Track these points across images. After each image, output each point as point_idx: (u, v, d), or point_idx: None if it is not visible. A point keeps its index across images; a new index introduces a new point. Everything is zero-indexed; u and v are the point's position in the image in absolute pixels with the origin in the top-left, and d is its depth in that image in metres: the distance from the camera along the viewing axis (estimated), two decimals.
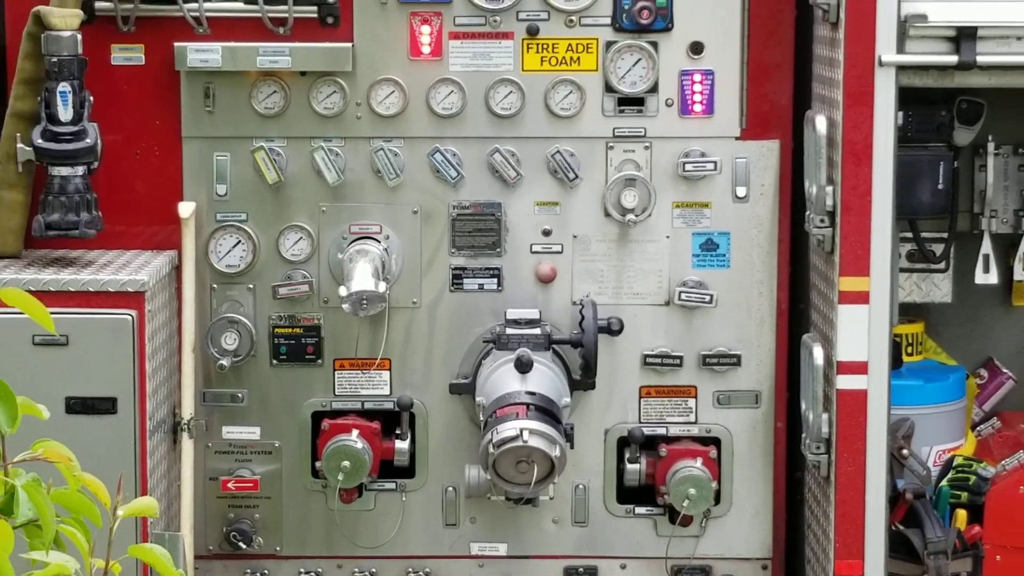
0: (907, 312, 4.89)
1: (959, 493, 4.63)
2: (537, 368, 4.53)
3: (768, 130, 4.76)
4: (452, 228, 4.77)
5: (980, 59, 4.28)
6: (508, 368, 4.55)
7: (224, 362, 4.72)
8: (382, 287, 4.56)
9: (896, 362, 4.71)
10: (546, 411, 4.45)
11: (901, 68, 4.29)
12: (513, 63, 4.72)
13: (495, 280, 4.78)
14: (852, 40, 4.28)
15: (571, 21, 4.71)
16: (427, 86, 4.72)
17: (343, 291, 4.55)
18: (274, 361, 4.80)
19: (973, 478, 4.63)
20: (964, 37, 4.27)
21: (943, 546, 4.46)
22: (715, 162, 4.73)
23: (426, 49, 4.71)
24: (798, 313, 4.86)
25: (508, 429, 4.36)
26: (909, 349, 4.90)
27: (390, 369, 4.80)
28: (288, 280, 4.77)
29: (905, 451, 4.60)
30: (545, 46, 4.73)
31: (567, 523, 4.85)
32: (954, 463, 4.70)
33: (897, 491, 4.54)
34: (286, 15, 4.66)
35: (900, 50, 4.28)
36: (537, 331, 4.65)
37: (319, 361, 4.80)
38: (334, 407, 4.80)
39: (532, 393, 4.47)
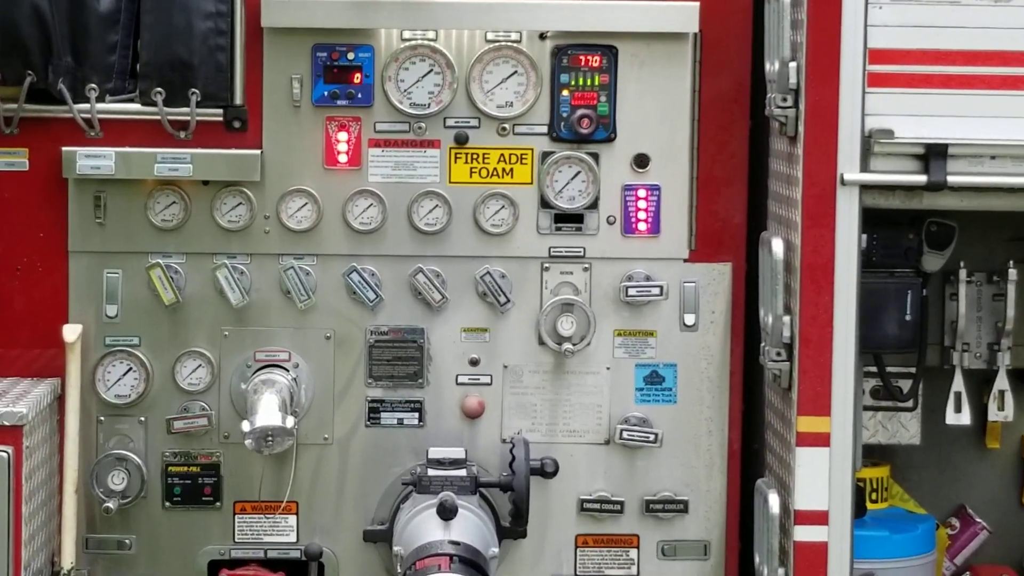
0: (872, 455, 4.83)
1: None
2: (462, 514, 4.40)
3: (719, 252, 4.68)
4: (369, 356, 4.65)
5: (951, 179, 4.22)
6: (429, 514, 4.42)
7: (111, 504, 4.59)
8: (290, 421, 4.44)
9: (860, 510, 4.53)
10: (471, 563, 4.32)
11: (865, 187, 4.23)
12: (439, 174, 4.62)
13: (416, 414, 4.66)
14: (812, 156, 4.20)
15: (504, 129, 4.60)
16: (344, 198, 4.61)
17: (246, 426, 4.42)
18: (167, 503, 4.66)
19: None
20: (934, 155, 4.20)
21: None
22: (661, 286, 4.64)
23: (343, 157, 4.60)
24: (751, 454, 4.76)
25: None
26: (874, 495, 4.82)
27: (297, 513, 4.66)
28: (184, 413, 4.64)
29: None
30: (475, 156, 4.62)
31: None
32: None
33: None
34: (187, 118, 4.54)
35: (864, 168, 4.21)
36: (462, 472, 4.53)
37: (217, 504, 4.66)
38: (233, 555, 4.67)
39: (456, 543, 4.35)
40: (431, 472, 4.51)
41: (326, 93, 4.57)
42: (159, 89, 4.50)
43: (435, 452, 4.56)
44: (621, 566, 4.68)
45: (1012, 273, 4.63)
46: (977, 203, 4.26)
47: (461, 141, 4.59)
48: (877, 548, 4.61)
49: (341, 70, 4.56)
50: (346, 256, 4.61)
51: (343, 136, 4.58)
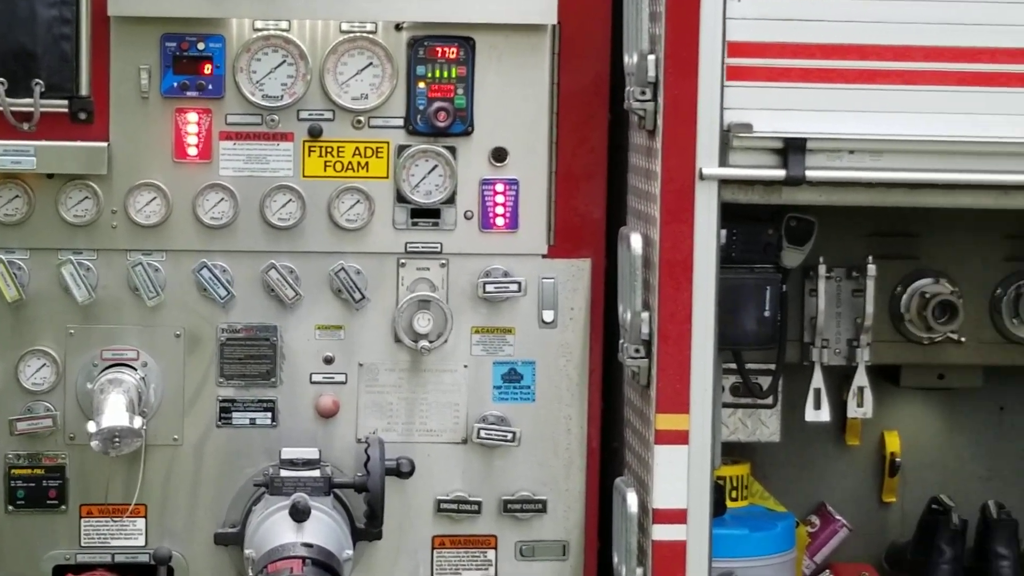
0: (731, 452, 4.84)
1: None
2: (315, 516, 4.35)
3: (579, 247, 4.66)
4: (220, 354, 4.57)
5: (810, 173, 4.21)
6: (282, 516, 4.37)
7: None
8: (137, 422, 4.35)
9: (719, 508, 4.64)
10: (325, 566, 4.28)
11: (724, 182, 4.22)
12: (293, 168, 4.55)
13: (269, 414, 4.59)
14: (670, 150, 4.18)
15: (359, 122, 4.54)
16: (194, 192, 4.53)
17: (92, 426, 4.33)
18: (10, 507, 4.57)
19: None
20: (792, 149, 4.20)
21: None
22: (519, 282, 4.61)
23: (193, 151, 4.52)
24: (611, 453, 4.75)
25: None
26: (734, 493, 4.84)
27: (146, 516, 4.59)
28: (28, 413, 4.55)
29: None
30: (329, 149, 4.55)
31: None
32: None
33: None
34: (31, 109, 4.42)
35: (723, 162, 4.20)
36: (316, 473, 4.47)
37: (63, 507, 4.57)
38: (80, 560, 4.58)
39: (309, 545, 4.31)
40: (284, 473, 4.44)
41: (175, 84, 4.48)
42: (1, 79, 4.37)
43: (288, 453, 4.50)
44: (479, 567, 4.66)
45: (871, 268, 4.65)
46: (836, 198, 4.27)
47: (315, 134, 4.52)
48: (736, 547, 4.63)
49: (191, 60, 4.48)
50: (196, 252, 4.53)
51: (193, 128, 4.50)
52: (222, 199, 4.51)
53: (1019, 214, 4.51)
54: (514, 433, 4.61)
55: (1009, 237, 4.78)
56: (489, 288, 4.58)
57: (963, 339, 4.78)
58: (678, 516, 4.23)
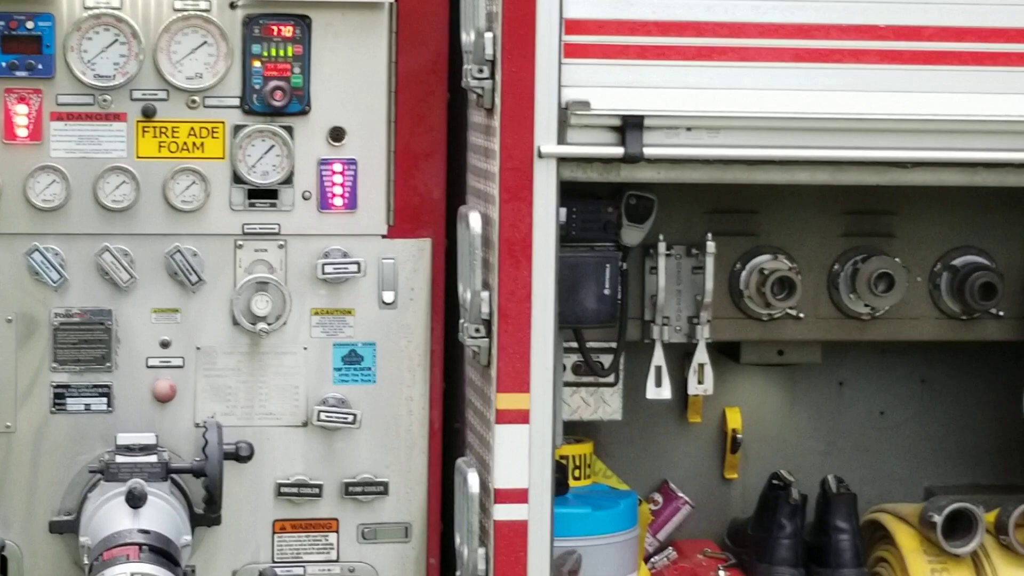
0: (574, 431, 4.86)
1: None
2: (152, 502, 4.30)
3: (418, 227, 4.65)
4: (54, 339, 4.50)
5: (648, 151, 4.24)
6: (118, 502, 4.30)
7: None
8: None
9: (561, 488, 4.65)
10: (162, 552, 4.22)
11: (563, 160, 4.24)
12: (126, 149, 4.49)
13: (104, 399, 4.53)
14: (508, 129, 4.19)
15: (194, 102, 4.49)
16: (24, 174, 4.46)
17: None
18: None
19: None
20: (630, 127, 4.22)
21: None
22: (359, 263, 4.59)
23: (23, 132, 4.44)
24: (453, 434, 4.76)
25: (117, 574, 4.12)
26: (576, 472, 4.85)
27: None
28: None
29: None
30: (163, 130, 4.50)
31: None
32: None
33: None
34: None
35: (561, 140, 4.21)
36: (153, 459, 4.41)
37: None
38: None
39: (146, 531, 4.25)
40: (119, 459, 4.38)
41: (4, 64, 4.39)
42: None
43: (124, 438, 4.43)
44: (320, 551, 4.63)
45: (710, 246, 4.70)
46: (675, 175, 4.31)
47: (149, 114, 4.46)
48: (579, 525, 4.65)
49: (20, 40, 4.39)
50: (27, 235, 4.45)
51: (22, 109, 4.41)
52: (54, 181, 4.43)
53: (855, 190, 4.60)
54: (355, 415, 4.59)
55: (846, 213, 4.85)
56: (328, 269, 4.55)
57: (801, 315, 4.84)
58: (519, 496, 4.24)
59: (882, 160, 4.35)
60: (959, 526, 4.72)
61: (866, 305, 4.84)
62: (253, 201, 4.53)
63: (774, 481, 4.94)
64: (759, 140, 4.28)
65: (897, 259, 4.85)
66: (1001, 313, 4.88)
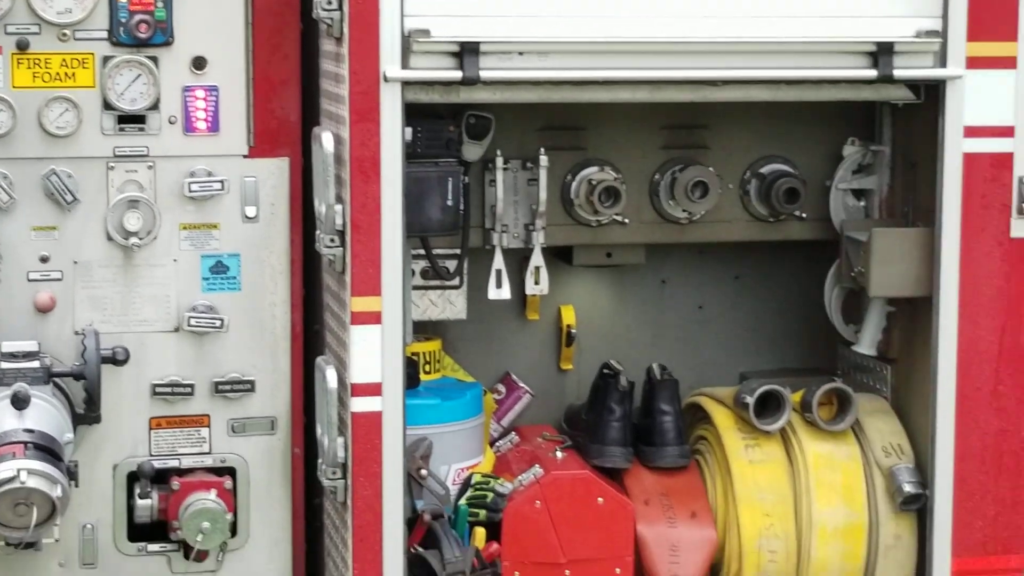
0: (424, 330, 4.95)
1: (477, 511, 4.70)
2: (35, 403, 4.39)
3: (277, 148, 4.75)
4: None
5: (483, 74, 4.37)
6: (3, 405, 4.39)
7: None
8: None
9: (413, 381, 4.74)
10: (46, 449, 4.31)
11: (406, 83, 4.35)
12: (2, 80, 4.57)
13: None
14: (356, 55, 4.30)
15: (64, 35, 4.58)
16: None
17: None
18: None
19: (491, 495, 4.71)
20: (467, 52, 4.35)
21: (461, 566, 4.53)
22: (222, 181, 4.70)
23: None
24: (313, 335, 4.86)
25: (4, 470, 4.22)
26: (427, 367, 4.94)
27: None
28: None
29: (424, 471, 4.64)
30: (37, 61, 4.58)
31: (75, 566, 4.71)
32: (472, 481, 4.77)
33: (416, 512, 4.59)
34: None
35: (405, 65, 4.33)
36: (35, 364, 4.50)
37: None
38: None
39: (30, 431, 4.33)
40: (4, 365, 4.46)
41: None
42: None
43: (8, 346, 4.53)
44: (194, 445, 4.74)
45: (543, 160, 4.79)
46: (509, 96, 4.45)
47: (23, 47, 4.55)
48: (430, 415, 4.76)
49: None
50: None
51: None
52: None
53: (672, 107, 4.77)
54: (222, 320, 4.71)
55: (664, 128, 4.92)
56: (194, 188, 4.66)
57: (626, 220, 4.88)
58: (374, 389, 4.37)
59: (695, 79, 4.49)
60: (769, 406, 4.80)
61: (684, 211, 4.91)
62: (123, 126, 4.62)
63: (605, 370, 4.97)
64: (585, 63, 4.40)
65: (711, 168, 4.91)
66: (804, 215, 4.95)
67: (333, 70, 4.50)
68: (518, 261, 4.95)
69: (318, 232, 4.50)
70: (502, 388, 5.22)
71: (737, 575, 4.83)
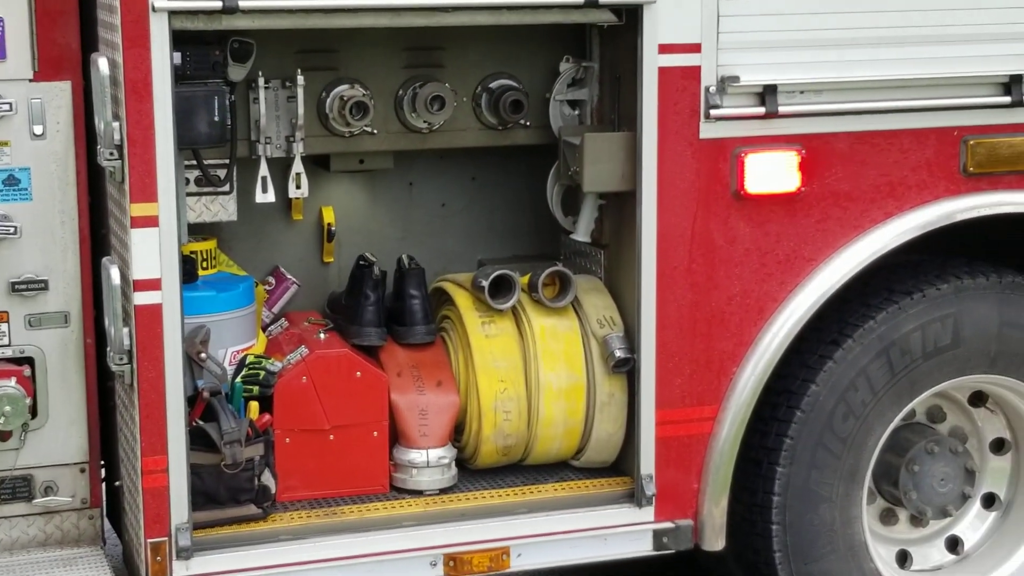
0: (200, 231, 5.00)
1: (251, 387, 4.83)
2: None
3: (60, 72, 4.76)
4: None
5: (242, 3, 4.45)
6: None
7: None
8: None
9: (190, 277, 4.85)
10: None
11: (173, 13, 4.42)
12: None
13: None
14: None
15: None
16: None
17: None
18: None
19: (263, 373, 4.84)
20: None
21: (237, 435, 4.66)
22: (11, 103, 4.71)
23: None
24: (100, 238, 4.93)
25: None
26: (204, 264, 4.99)
27: None
28: None
29: (203, 354, 4.73)
30: None
31: None
32: (246, 361, 4.89)
33: (197, 391, 4.70)
34: None
35: None
36: None
37: None
38: None
39: None
40: None
41: None
42: None
43: None
44: None
45: (300, 79, 4.86)
46: (266, 23, 4.52)
47: None
48: (207, 305, 4.85)
49: None
50: None
51: None
52: None
53: (412, 31, 4.87)
54: (16, 227, 4.73)
55: (406, 49, 5.00)
56: None
57: (375, 131, 4.96)
58: (154, 284, 4.46)
59: (429, 6, 4.62)
60: (502, 288, 4.95)
61: (425, 122, 4.99)
62: None
63: (361, 262, 5.06)
64: None
65: (447, 84, 4.98)
66: (528, 124, 5.08)
67: (107, 1, 4.55)
68: (282, 169, 5.00)
69: (99, 147, 4.56)
70: (272, 280, 5.27)
71: (477, 433, 5.03)
